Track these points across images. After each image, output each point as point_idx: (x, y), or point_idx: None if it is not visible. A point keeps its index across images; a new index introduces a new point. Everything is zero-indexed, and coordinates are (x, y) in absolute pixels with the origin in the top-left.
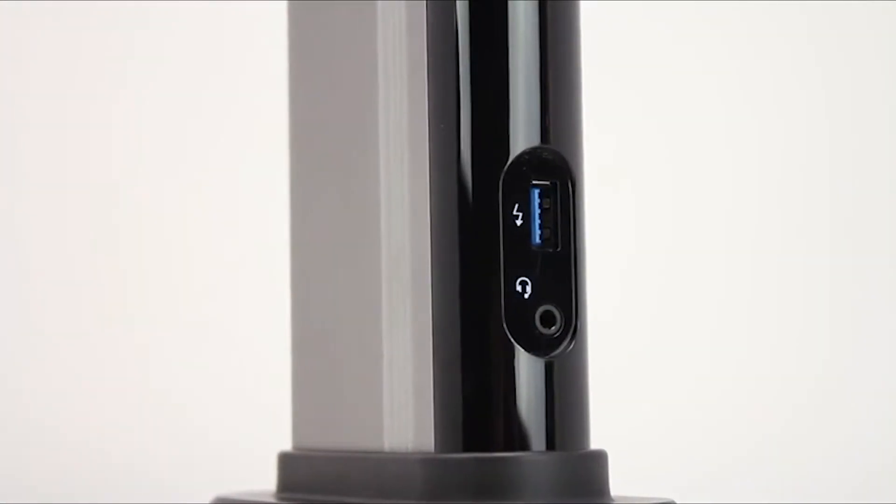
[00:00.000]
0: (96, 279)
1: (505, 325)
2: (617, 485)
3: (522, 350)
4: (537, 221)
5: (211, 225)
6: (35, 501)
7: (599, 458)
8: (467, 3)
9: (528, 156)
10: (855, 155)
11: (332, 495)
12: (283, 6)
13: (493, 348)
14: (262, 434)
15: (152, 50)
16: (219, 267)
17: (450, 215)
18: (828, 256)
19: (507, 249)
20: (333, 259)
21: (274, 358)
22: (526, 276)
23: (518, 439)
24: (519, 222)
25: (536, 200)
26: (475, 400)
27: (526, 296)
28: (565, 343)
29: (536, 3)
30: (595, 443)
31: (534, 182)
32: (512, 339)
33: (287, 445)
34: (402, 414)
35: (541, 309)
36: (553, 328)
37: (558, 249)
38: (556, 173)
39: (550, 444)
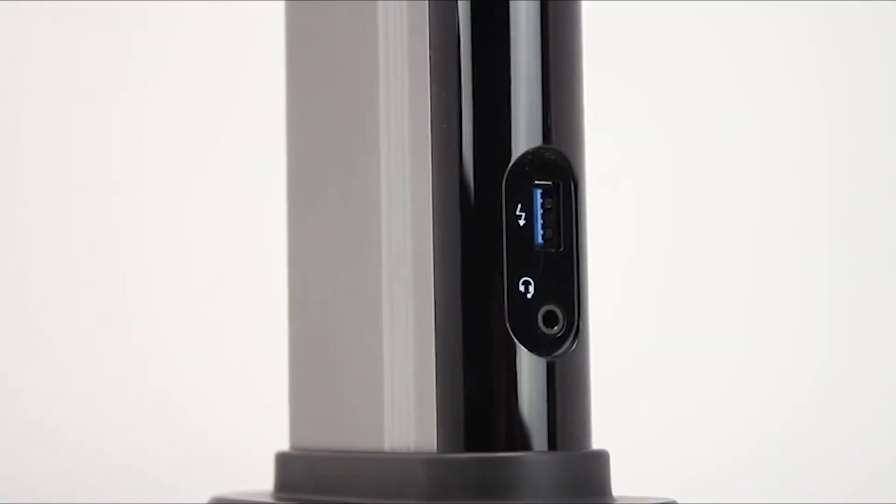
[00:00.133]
0: (96, 279)
1: (508, 325)
2: (618, 485)
3: (525, 350)
4: (540, 222)
5: (211, 225)
6: (35, 501)
7: (601, 458)
8: (469, 3)
9: (531, 156)
10: (855, 155)
11: (331, 495)
12: (282, 6)
13: (496, 348)
14: (263, 434)
15: (152, 50)
16: (219, 267)
17: (452, 215)
18: (828, 256)
19: (510, 249)
20: (333, 259)
21: (274, 358)
22: (529, 276)
23: (520, 439)
24: (522, 222)
25: (539, 201)
26: (478, 400)
27: (529, 296)
28: (567, 343)
29: (538, 3)
30: (596, 443)
31: (536, 182)
32: (515, 339)
33: (286, 445)
34: (404, 414)
35: (543, 309)
36: (556, 328)
37: (560, 249)
38: (558, 173)
39: (552, 444)
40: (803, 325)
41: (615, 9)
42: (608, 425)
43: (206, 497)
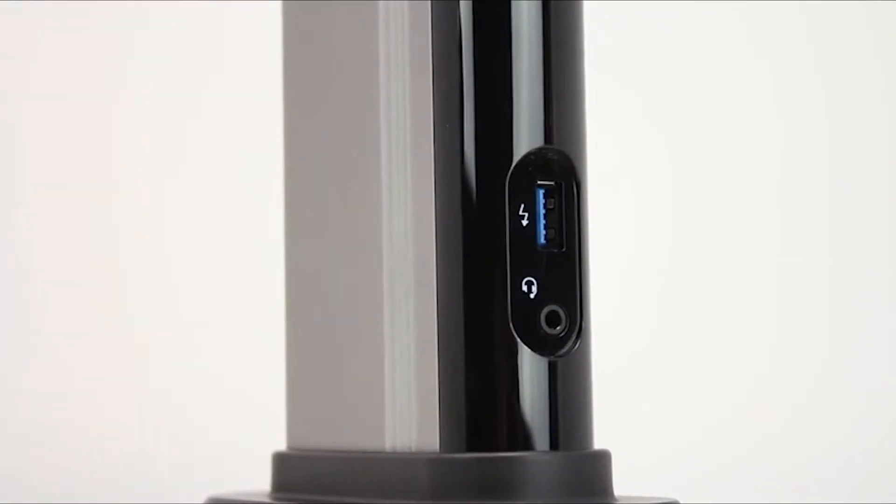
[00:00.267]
0: (96, 279)
1: (511, 325)
2: (620, 484)
3: (527, 350)
4: (542, 222)
5: (211, 225)
6: (35, 501)
7: (603, 458)
8: (471, 3)
9: (534, 156)
10: (855, 155)
11: (330, 495)
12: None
13: (499, 348)
14: (263, 434)
15: (152, 50)
16: (219, 267)
17: (455, 215)
18: (828, 256)
19: (514, 249)
20: (332, 258)
21: (274, 358)
22: (532, 276)
23: (522, 439)
24: (525, 223)
25: (541, 201)
26: (480, 399)
27: (532, 296)
28: (570, 343)
29: (540, 3)
30: (597, 442)
31: (539, 182)
32: (517, 339)
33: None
34: (406, 414)
35: (546, 309)
36: (558, 328)
37: (563, 250)
38: (560, 174)
39: (554, 444)
40: (803, 325)
41: (616, 9)
42: (610, 425)
43: (204, 497)
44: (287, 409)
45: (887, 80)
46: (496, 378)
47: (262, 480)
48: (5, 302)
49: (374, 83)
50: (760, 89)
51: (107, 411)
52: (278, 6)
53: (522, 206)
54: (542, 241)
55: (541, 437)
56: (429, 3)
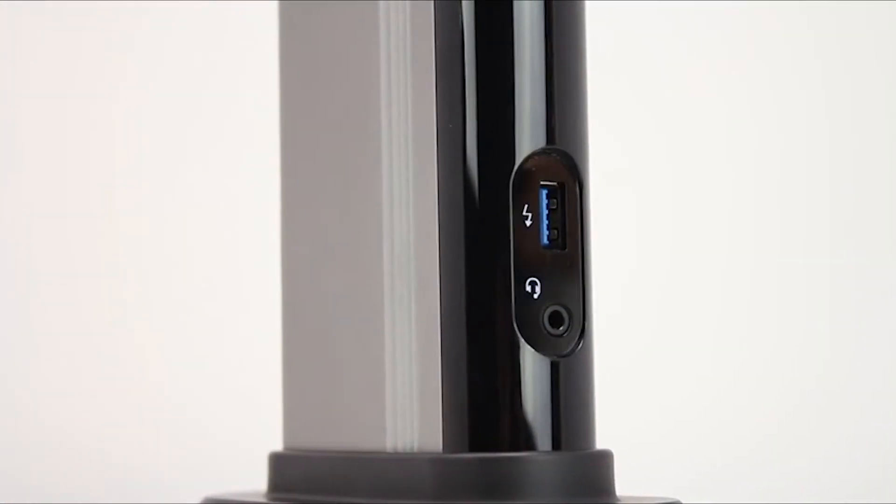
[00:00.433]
0: (96, 279)
1: (515, 325)
2: (622, 484)
3: (530, 350)
4: (545, 222)
5: (211, 225)
6: (35, 501)
7: (605, 458)
8: (473, 3)
9: (537, 157)
10: (855, 155)
11: (329, 495)
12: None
13: (502, 348)
14: (263, 434)
15: (152, 50)
16: (218, 267)
17: (459, 215)
18: (828, 256)
19: (517, 250)
20: (330, 260)
21: (275, 358)
22: (535, 277)
23: (524, 439)
24: (528, 223)
25: (545, 201)
26: (483, 400)
27: (535, 296)
28: (573, 343)
29: (542, 3)
30: (599, 442)
31: (542, 183)
32: (521, 339)
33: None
34: (408, 414)
35: (549, 309)
36: (561, 328)
37: (566, 250)
38: (563, 174)
39: (557, 445)
40: (804, 326)
41: (619, 9)
42: (612, 425)
43: (200, 497)
44: (283, 410)
45: (887, 80)
46: (499, 378)
47: (262, 480)
48: (5, 302)
49: (375, 84)
50: (762, 90)
51: (106, 411)
52: (277, 6)
53: (526, 206)
54: (546, 241)
55: (543, 437)
56: (431, 3)
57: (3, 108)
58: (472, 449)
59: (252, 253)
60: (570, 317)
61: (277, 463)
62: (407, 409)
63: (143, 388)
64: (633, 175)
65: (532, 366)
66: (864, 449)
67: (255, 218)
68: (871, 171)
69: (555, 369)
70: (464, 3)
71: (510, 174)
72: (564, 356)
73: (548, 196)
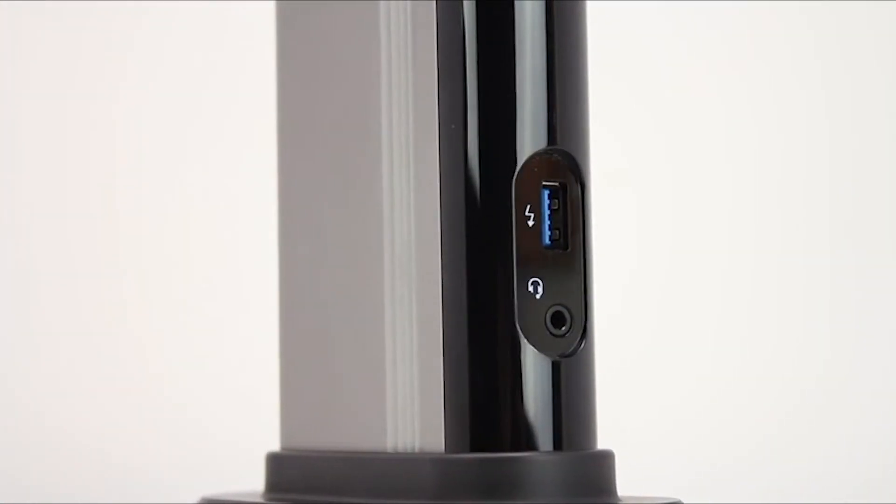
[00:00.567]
0: (96, 278)
1: (517, 325)
2: (623, 484)
3: (532, 350)
4: (548, 223)
5: (211, 225)
6: (35, 501)
7: (606, 459)
8: (474, 3)
9: (539, 157)
10: (855, 155)
11: (329, 495)
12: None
13: (504, 348)
14: (263, 434)
15: (152, 50)
16: (217, 267)
17: (460, 215)
18: (828, 256)
19: (519, 250)
20: (330, 260)
21: (275, 358)
22: (537, 277)
23: (526, 439)
24: (531, 223)
25: (547, 202)
26: (484, 400)
27: (537, 296)
28: (575, 343)
29: (543, 3)
30: (601, 442)
31: (544, 183)
32: (523, 339)
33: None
34: (409, 414)
35: (551, 309)
36: (563, 328)
37: (568, 250)
38: (565, 174)
39: (558, 445)
40: (805, 326)
41: (620, 9)
42: (613, 425)
43: (197, 497)
44: (281, 410)
45: (887, 80)
46: (501, 378)
47: (262, 481)
48: (5, 302)
49: (376, 84)
50: (762, 90)
51: (105, 411)
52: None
53: (528, 206)
54: (548, 241)
55: (545, 437)
56: (433, 3)
57: (3, 108)
58: (474, 449)
59: (252, 253)
60: (572, 317)
61: (275, 463)
62: (408, 410)
63: (143, 388)
64: (633, 175)
65: (534, 366)
66: (864, 449)
67: (255, 218)
68: (871, 171)
69: (556, 369)
70: (465, 2)
71: (512, 174)
72: (566, 356)
73: (550, 196)
